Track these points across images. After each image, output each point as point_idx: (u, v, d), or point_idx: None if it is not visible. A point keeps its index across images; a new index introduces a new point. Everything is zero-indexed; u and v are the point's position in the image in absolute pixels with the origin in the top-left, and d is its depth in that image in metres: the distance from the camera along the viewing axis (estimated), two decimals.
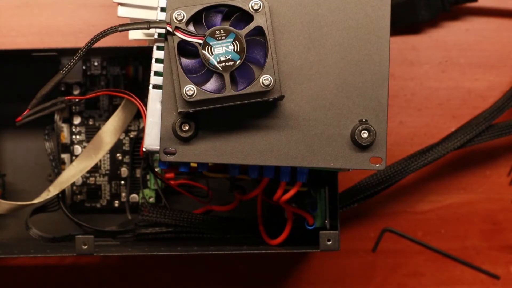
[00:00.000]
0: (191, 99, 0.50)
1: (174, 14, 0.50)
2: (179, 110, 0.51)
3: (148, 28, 0.51)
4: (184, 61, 0.51)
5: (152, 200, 0.68)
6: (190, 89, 0.50)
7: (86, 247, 0.57)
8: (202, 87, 0.51)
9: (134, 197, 0.68)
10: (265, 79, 0.50)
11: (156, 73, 0.52)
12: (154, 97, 0.52)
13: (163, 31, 0.51)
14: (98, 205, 0.68)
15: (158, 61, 0.52)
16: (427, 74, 0.71)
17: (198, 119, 0.52)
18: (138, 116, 0.65)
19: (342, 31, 0.52)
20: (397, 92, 0.71)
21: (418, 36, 0.71)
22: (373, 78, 0.53)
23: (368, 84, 0.53)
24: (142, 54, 0.67)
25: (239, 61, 0.50)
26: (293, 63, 0.52)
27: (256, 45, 0.51)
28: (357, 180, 0.68)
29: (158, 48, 0.52)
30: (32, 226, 0.63)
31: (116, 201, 0.68)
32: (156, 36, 0.52)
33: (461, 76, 0.72)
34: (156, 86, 0.52)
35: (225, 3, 0.51)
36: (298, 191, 0.57)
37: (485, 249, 0.72)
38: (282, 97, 0.51)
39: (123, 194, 0.68)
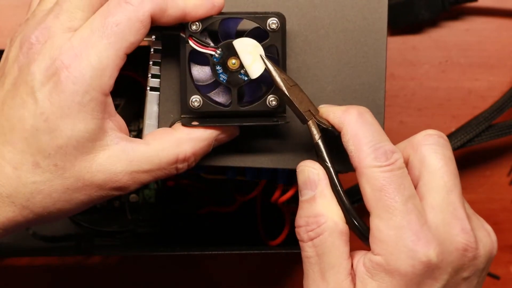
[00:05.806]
0: (196, 110, 0.50)
1: (190, 23, 0.50)
2: (182, 116, 0.51)
3: (161, 33, 0.51)
4: (193, 68, 0.51)
5: (152, 200, 0.68)
6: (196, 100, 0.50)
7: None
8: (208, 95, 0.50)
9: (134, 197, 0.68)
10: (272, 99, 0.50)
11: (154, 76, 0.52)
12: (152, 99, 0.52)
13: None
14: (98, 205, 0.68)
15: (155, 63, 0.52)
16: (427, 74, 0.71)
17: None
18: (138, 117, 0.65)
19: (339, 33, 0.52)
20: (397, 92, 0.71)
21: (418, 36, 0.71)
22: (370, 80, 0.53)
23: (365, 87, 0.53)
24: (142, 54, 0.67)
25: (249, 77, 0.50)
26: (289, 65, 0.52)
27: None
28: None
29: (156, 50, 0.52)
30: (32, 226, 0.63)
31: (116, 201, 0.68)
32: (153, 38, 0.52)
33: (461, 76, 0.71)
34: (153, 89, 0.52)
35: (243, 17, 0.50)
36: (296, 191, 0.57)
37: None
38: (287, 122, 0.51)
39: None
